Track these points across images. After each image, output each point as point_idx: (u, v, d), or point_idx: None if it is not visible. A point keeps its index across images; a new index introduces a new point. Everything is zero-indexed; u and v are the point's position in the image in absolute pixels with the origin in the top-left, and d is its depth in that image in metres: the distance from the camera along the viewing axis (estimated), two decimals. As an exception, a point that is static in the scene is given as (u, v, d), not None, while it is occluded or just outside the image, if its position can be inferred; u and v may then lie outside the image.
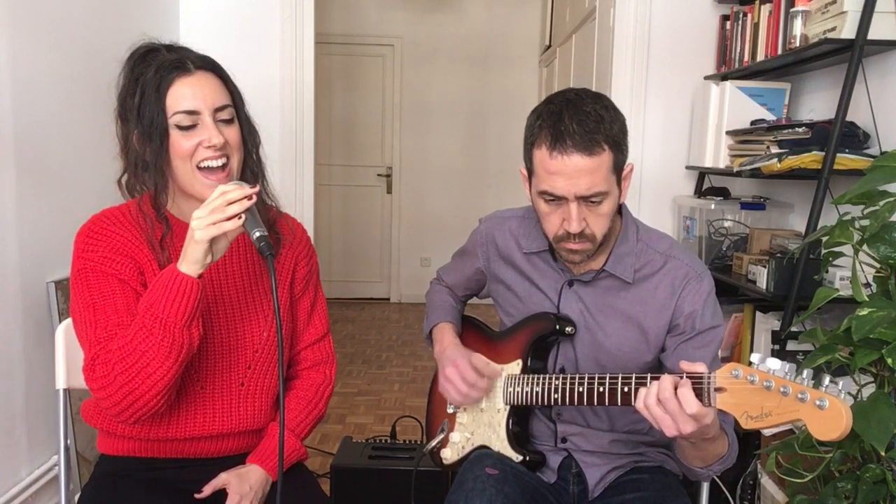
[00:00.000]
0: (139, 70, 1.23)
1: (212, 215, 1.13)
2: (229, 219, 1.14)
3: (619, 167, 1.24)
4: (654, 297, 1.34)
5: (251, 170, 1.31)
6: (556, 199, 1.23)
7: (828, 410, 0.95)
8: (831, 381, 0.98)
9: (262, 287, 1.37)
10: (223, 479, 1.30)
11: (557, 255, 1.36)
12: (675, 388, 1.08)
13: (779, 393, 0.99)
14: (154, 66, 1.22)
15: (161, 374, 1.16)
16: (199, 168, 1.23)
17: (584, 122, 1.19)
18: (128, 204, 1.31)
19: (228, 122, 1.25)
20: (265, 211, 1.35)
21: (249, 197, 1.16)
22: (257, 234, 1.16)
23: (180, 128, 1.21)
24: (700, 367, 1.10)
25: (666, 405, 1.08)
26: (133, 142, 1.23)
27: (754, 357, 1.03)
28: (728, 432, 1.26)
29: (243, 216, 1.15)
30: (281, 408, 1.19)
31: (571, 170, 1.18)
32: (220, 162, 1.23)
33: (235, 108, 1.28)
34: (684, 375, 1.09)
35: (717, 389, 1.06)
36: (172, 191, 1.28)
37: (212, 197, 1.15)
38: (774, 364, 1.01)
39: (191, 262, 1.15)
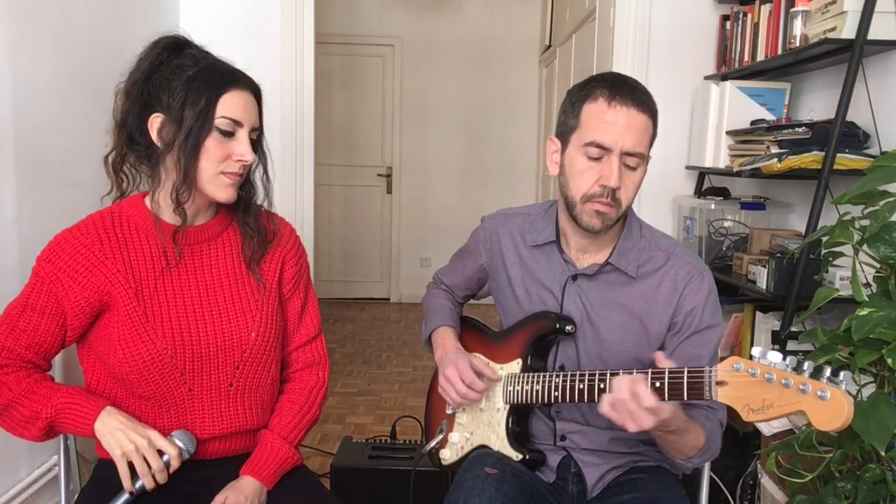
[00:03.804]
0: (185, 63, 1.24)
1: (133, 451, 1.22)
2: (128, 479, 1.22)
3: (652, 141, 1.31)
4: (657, 294, 1.35)
5: (262, 182, 1.38)
6: (599, 155, 1.26)
7: (829, 401, 0.96)
8: (832, 376, 0.99)
9: (249, 287, 1.36)
10: (219, 499, 1.29)
11: (566, 235, 1.38)
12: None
13: (780, 385, 1.00)
14: (207, 66, 1.24)
15: (18, 435, 1.28)
16: (221, 172, 1.26)
17: (637, 88, 1.29)
18: (111, 210, 1.32)
19: (254, 143, 1.30)
20: (255, 214, 1.38)
21: (155, 485, 1.24)
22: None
23: (220, 131, 1.23)
24: (667, 363, 1.14)
25: (626, 405, 1.11)
26: (150, 127, 1.24)
27: (755, 351, 1.04)
28: (706, 426, 1.27)
29: (139, 484, 1.23)
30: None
31: (626, 120, 1.25)
32: (238, 179, 1.28)
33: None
34: (687, 369, 1.11)
35: (719, 383, 1.07)
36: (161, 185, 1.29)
37: (160, 443, 1.23)
38: (776, 357, 1.03)
39: (100, 432, 1.24)
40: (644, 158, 1.29)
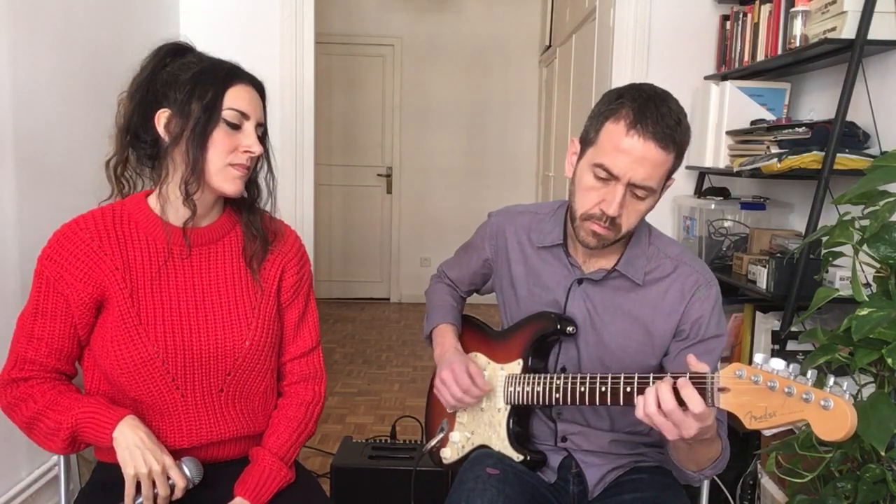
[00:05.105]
0: (190, 60, 1.26)
1: (145, 475, 1.20)
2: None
3: (671, 173, 1.26)
4: (663, 301, 1.34)
5: (266, 183, 1.37)
6: (607, 178, 1.22)
7: (833, 411, 0.94)
8: (835, 383, 0.98)
9: (246, 295, 1.34)
10: None
11: (573, 237, 1.33)
12: (677, 391, 1.08)
13: (783, 393, 0.99)
14: (213, 63, 1.26)
15: (47, 448, 1.28)
16: (229, 164, 1.27)
17: (666, 118, 1.20)
18: (112, 207, 1.31)
19: (259, 139, 1.30)
20: (258, 218, 1.37)
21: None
22: None
23: (227, 123, 1.24)
24: (704, 367, 1.09)
25: (670, 416, 1.07)
26: (156, 123, 1.25)
27: (758, 357, 1.03)
28: (722, 437, 1.26)
29: (138, 502, 1.22)
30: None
31: (639, 153, 1.19)
32: (246, 172, 1.28)
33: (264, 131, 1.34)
34: (688, 374, 1.09)
35: (721, 389, 1.05)
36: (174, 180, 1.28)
37: (173, 472, 1.22)
38: (779, 364, 1.01)
39: (118, 442, 1.22)
40: (653, 192, 1.23)
